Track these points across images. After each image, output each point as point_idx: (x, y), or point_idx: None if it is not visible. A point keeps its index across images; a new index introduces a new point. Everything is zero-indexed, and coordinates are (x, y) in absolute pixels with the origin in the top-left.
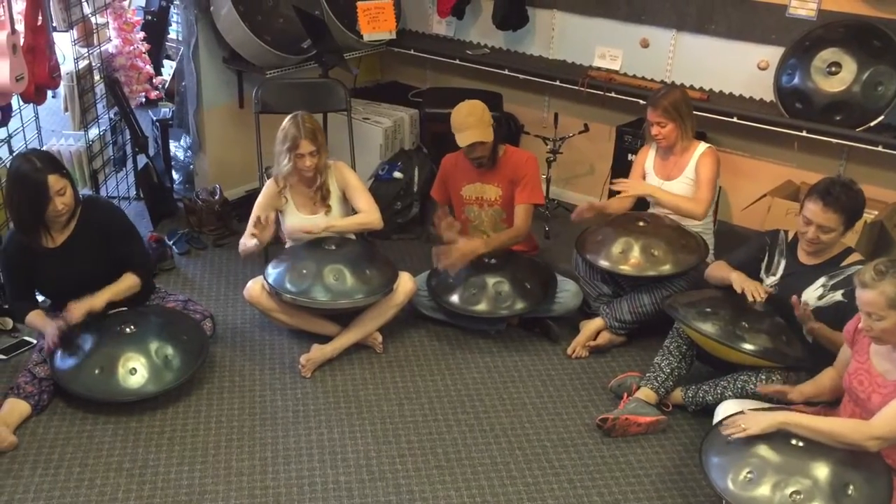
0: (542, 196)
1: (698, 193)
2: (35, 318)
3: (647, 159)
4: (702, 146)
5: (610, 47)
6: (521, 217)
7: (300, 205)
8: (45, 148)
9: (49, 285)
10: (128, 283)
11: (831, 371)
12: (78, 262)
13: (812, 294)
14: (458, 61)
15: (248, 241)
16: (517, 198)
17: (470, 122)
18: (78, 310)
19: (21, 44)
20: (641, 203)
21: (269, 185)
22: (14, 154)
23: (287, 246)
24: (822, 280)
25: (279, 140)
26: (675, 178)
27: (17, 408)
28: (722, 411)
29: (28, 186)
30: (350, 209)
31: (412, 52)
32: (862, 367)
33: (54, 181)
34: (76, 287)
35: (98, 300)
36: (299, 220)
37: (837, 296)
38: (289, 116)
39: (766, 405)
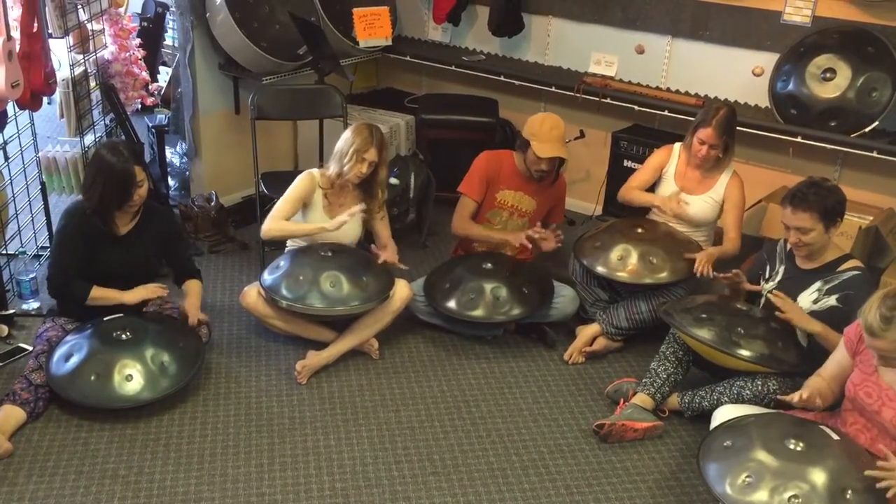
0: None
1: (733, 233)
2: (103, 291)
3: (670, 165)
4: (730, 169)
5: (605, 53)
6: None
7: (327, 207)
8: (40, 154)
9: (103, 269)
10: (199, 288)
11: (817, 380)
12: (136, 253)
13: (807, 298)
14: (454, 67)
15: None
16: (554, 218)
17: (555, 136)
18: (194, 313)
19: (17, 50)
20: (642, 210)
21: (304, 178)
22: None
23: (287, 246)
24: (817, 284)
25: (346, 140)
26: (698, 195)
27: (13, 414)
28: (718, 416)
29: (116, 176)
30: (360, 228)
31: (408, 58)
32: (869, 378)
33: (138, 172)
34: (128, 276)
35: (195, 310)
36: (320, 220)
37: (832, 300)
38: (362, 123)
39: (764, 410)
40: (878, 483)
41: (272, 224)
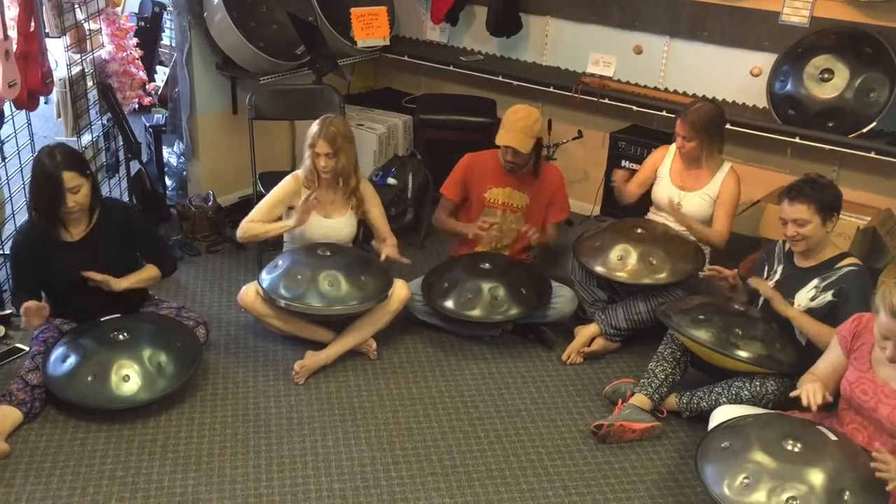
0: (569, 209)
1: (720, 225)
2: (30, 305)
3: (664, 164)
4: (726, 165)
5: (603, 54)
6: (553, 230)
7: (317, 206)
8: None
9: (62, 277)
10: (149, 273)
11: (812, 378)
12: (96, 257)
13: (805, 295)
14: (451, 67)
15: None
16: (552, 216)
17: (517, 127)
18: (116, 283)
19: (14, 50)
20: (640, 210)
21: (289, 180)
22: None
23: (285, 247)
24: (814, 282)
25: (306, 137)
26: (693, 191)
27: (9, 415)
28: (717, 417)
29: (44, 179)
30: (355, 225)
31: (406, 58)
32: (864, 375)
33: (69, 178)
34: (89, 281)
35: (122, 282)
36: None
37: (829, 296)
38: (320, 118)
39: (762, 411)
40: (877, 473)
41: (244, 226)
